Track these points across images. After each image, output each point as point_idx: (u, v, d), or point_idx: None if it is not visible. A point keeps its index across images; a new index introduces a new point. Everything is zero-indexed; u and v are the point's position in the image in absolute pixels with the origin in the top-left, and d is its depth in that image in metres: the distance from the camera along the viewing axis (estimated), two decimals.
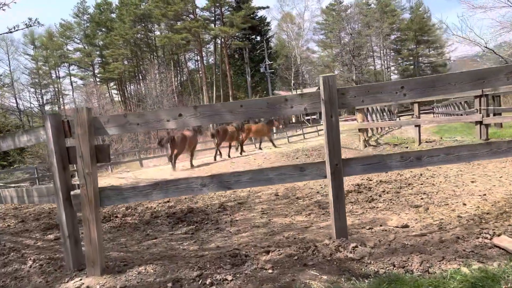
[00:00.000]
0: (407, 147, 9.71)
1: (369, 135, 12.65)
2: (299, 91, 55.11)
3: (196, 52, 63.41)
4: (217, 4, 51.14)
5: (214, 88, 53.59)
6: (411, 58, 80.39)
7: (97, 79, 65.84)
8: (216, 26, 51.90)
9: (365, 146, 10.75)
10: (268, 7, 53.24)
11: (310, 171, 3.07)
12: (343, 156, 3.05)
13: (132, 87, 63.93)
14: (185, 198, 6.85)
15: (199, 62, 68.28)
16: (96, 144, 2.95)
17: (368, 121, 11.33)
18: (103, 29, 61.64)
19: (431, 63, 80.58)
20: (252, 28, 49.67)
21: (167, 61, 60.96)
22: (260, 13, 53.34)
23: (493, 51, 12.81)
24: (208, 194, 7.01)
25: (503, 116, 8.70)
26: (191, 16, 52.32)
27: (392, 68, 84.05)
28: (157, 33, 60.59)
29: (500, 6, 12.58)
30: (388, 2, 77.62)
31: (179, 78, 65.72)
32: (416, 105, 9.72)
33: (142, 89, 51.29)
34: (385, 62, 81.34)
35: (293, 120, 54.22)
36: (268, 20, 55.79)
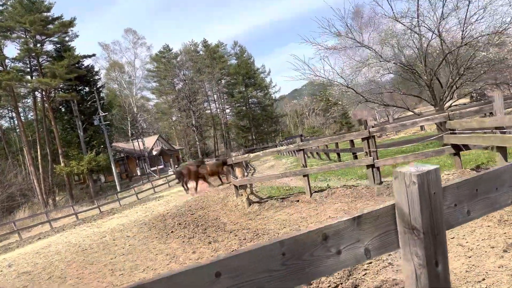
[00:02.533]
0: (298, 201, 8.70)
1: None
2: (141, 142, 51.86)
3: (10, 108, 54.38)
4: (33, 54, 44.98)
5: (38, 146, 46.19)
6: (242, 100, 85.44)
7: None
8: (34, 77, 45.36)
9: (250, 204, 9.39)
10: (94, 55, 49.46)
11: None
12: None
13: None
14: None
15: (15, 119, 58.77)
16: None
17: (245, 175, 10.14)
18: None
19: (260, 103, 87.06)
20: (79, 78, 44.93)
21: None
22: (87, 62, 49.10)
23: (354, 90, 13.37)
24: None
25: (395, 156, 8.39)
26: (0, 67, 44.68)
27: (228, 110, 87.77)
28: None
29: (351, 46, 13.28)
30: (216, 49, 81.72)
31: None
32: (301, 153, 8.85)
33: None
34: (220, 105, 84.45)
35: (138, 173, 50.44)
36: (96, 69, 51.71)
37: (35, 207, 42.99)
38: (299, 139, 9.24)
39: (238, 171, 9.37)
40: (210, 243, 7.31)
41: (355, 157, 11.49)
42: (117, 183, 42.74)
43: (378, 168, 8.01)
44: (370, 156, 7.98)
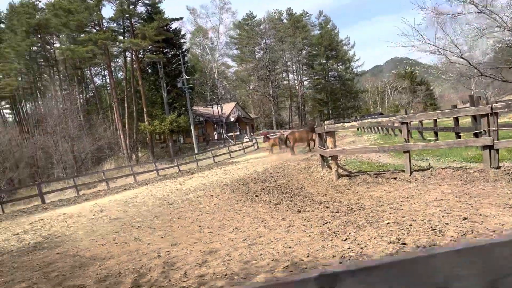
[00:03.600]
0: (395, 178, 7.95)
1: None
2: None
3: (103, 66, 58.17)
4: (126, 15, 47.17)
5: (126, 104, 49.11)
6: (321, 72, 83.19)
7: None
8: (126, 38, 47.73)
9: (338, 177, 8.83)
10: (182, 18, 50.63)
11: None
12: None
13: (29, 105, 56.34)
14: None
15: (107, 77, 62.89)
16: None
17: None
18: None
19: (340, 77, 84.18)
20: (166, 41, 46.44)
21: (70, 77, 54.90)
22: (174, 25, 50.48)
23: (468, 61, 11.91)
24: None
25: None
26: (97, 27, 47.56)
27: (306, 82, 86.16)
28: (57, 45, 54.31)
29: (472, 11, 11.73)
30: (300, 18, 79.73)
31: (84, 95, 59.70)
32: (405, 126, 8.00)
33: (41, 108, 45.09)
34: (299, 76, 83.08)
35: (216, 137, 51.82)
36: (182, 32, 53.08)
37: (120, 161, 46.27)
38: (404, 111, 8.38)
39: (329, 140, 8.79)
40: (299, 211, 6.93)
41: (458, 137, 10.30)
42: (195, 145, 44.29)
43: (497, 150, 6.97)
44: (489, 136, 6.95)
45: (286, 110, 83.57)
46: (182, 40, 52.01)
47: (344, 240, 5.02)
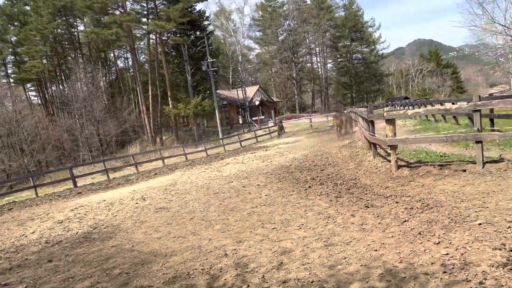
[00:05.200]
0: (464, 171, 7.32)
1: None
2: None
3: (126, 49, 58.04)
4: None
5: (150, 87, 49.00)
6: (345, 55, 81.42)
7: (11, 80, 57.84)
8: (150, 20, 47.25)
9: (398, 168, 8.21)
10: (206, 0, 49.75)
11: None
12: None
13: (54, 88, 56.89)
14: None
15: (129, 60, 62.84)
16: None
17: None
18: (16, 23, 53.98)
19: (365, 59, 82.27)
20: (191, 23, 45.79)
21: (94, 59, 54.97)
22: (198, 6, 49.71)
23: None
24: None
25: None
26: (121, 9, 47.18)
27: (329, 65, 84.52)
28: (81, 27, 54.34)
29: None
30: None
31: (107, 77, 59.85)
32: (478, 114, 7.32)
33: (66, 91, 45.32)
34: (322, 59, 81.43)
35: (240, 121, 51.40)
36: (207, 14, 52.34)
37: (144, 144, 46.41)
38: (478, 98, 7.66)
39: (389, 129, 8.17)
40: (367, 207, 6.41)
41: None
42: (219, 129, 43.99)
43: None
44: None
45: (308, 93, 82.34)
46: (206, 22, 51.30)
47: (437, 244, 4.50)
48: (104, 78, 56.41)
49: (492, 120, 11.63)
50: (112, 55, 60.20)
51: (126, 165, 26.68)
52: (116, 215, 8.99)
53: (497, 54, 13.48)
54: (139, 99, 49.35)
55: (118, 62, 63.79)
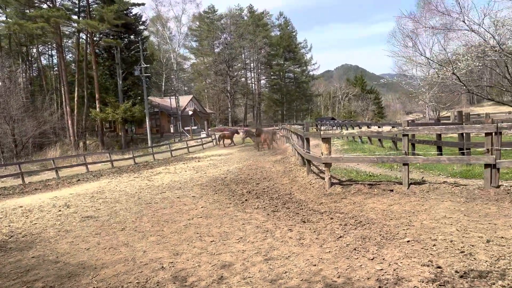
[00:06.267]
0: (392, 190, 7.83)
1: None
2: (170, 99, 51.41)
3: (52, 45, 54.37)
4: None
5: (76, 88, 46.16)
6: (279, 73, 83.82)
7: None
8: (81, 19, 44.82)
9: (331, 185, 8.57)
10: (143, 4, 48.31)
11: None
12: None
13: None
14: None
15: (54, 58, 58.91)
16: None
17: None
18: None
19: (296, 79, 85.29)
20: (126, 26, 44.21)
21: (13, 53, 50.70)
22: (135, 10, 48.22)
23: (458, 77, 12.04)
24: None
25: None
26: (49, 3, 44.21)
27: (263, 81, 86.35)
28: (2, 18, 49.95)
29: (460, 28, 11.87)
30: (261, 16, 79.68)
31: (28, 74, 55.44)
32: (405, 138, 7.90)
33: None
34: (256, 74, 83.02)
35: (171, 130, 50.21)
36: (143, 19, 50.91)
37: (65, 148, 43.41)
38: (406, 123, 8.27)
39: (325, 147, 8.52)
40: (304, 222, 6.58)
41: (462, 153, 10.25)
42: (149, 137, 42.60)
43: (498, 170, 7.05)
44: (492, 154, 7.00)
45: (241, 107, 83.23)
46: (142, 27, 49.89)
47: (372, 259, 4.73)
48: (24, 74, 52.21)
49: (413, 145, 12.64)
50: (35, 50, 56.00)
51: (44, 169, 24.76)
52: (35, 223, 8.26)
53: (420, 84, 14.86)
54: (64, 100, 46.22)
55: (42, 58, 59.53)
